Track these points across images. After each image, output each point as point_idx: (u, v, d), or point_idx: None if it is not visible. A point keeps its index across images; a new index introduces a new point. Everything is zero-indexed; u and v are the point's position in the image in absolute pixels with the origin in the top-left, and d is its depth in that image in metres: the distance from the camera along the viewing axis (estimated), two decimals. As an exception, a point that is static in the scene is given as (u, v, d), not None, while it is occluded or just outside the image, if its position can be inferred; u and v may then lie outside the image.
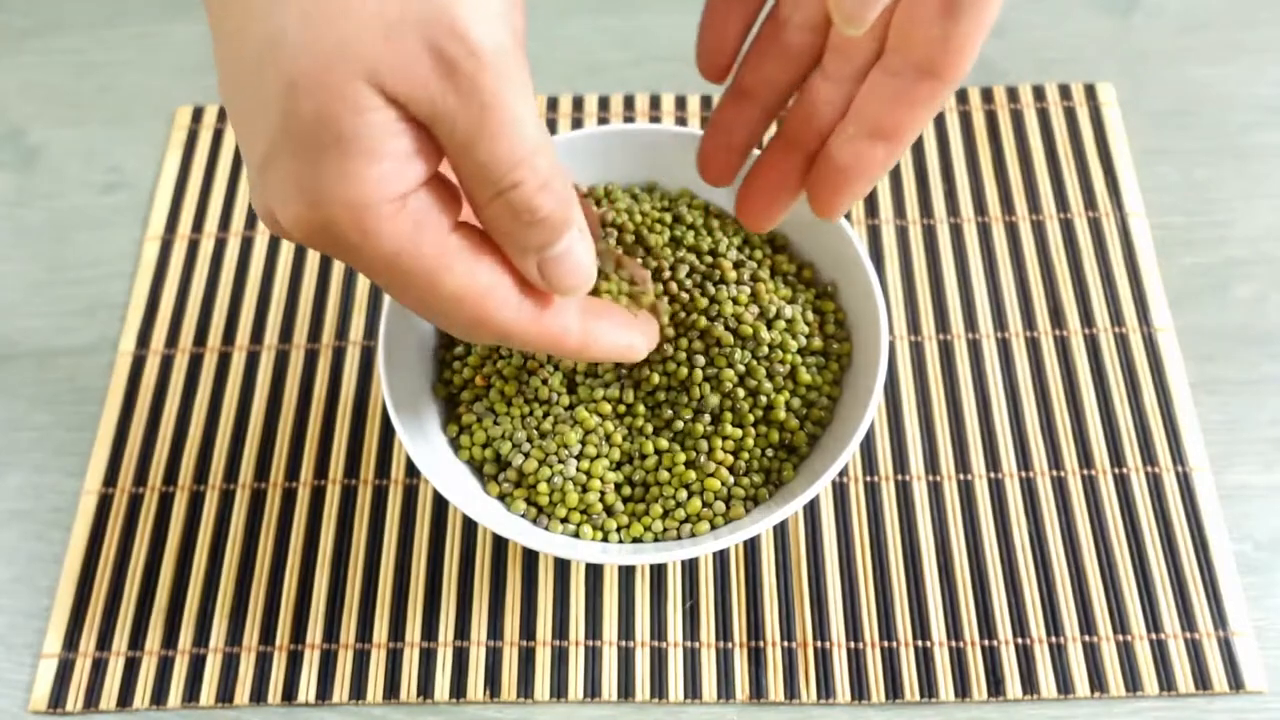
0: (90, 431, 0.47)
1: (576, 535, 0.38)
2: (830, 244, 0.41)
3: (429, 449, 0.39)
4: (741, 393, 0.38)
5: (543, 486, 0.38)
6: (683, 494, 0.38)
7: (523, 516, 0.39)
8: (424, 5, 0.23)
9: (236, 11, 0.24)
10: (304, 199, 0.24)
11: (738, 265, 0.40)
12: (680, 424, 0.39)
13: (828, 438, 0.39)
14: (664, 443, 0.39)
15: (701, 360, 0.38)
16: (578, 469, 0.38)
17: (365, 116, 0.23)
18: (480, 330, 0.29)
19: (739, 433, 0.38)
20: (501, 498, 0.39)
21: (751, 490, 0.39)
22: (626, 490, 0.39)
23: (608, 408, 0.39)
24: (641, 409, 0.39)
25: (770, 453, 0.39)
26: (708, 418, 0.38)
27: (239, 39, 0.24)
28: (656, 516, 0.38)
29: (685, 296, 0.39)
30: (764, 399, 0.39)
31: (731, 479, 0.38)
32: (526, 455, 0.38)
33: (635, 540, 0.38)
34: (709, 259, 0.40)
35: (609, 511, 0.39)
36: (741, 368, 0.38)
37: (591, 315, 0.32)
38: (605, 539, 0.38)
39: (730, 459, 0.38)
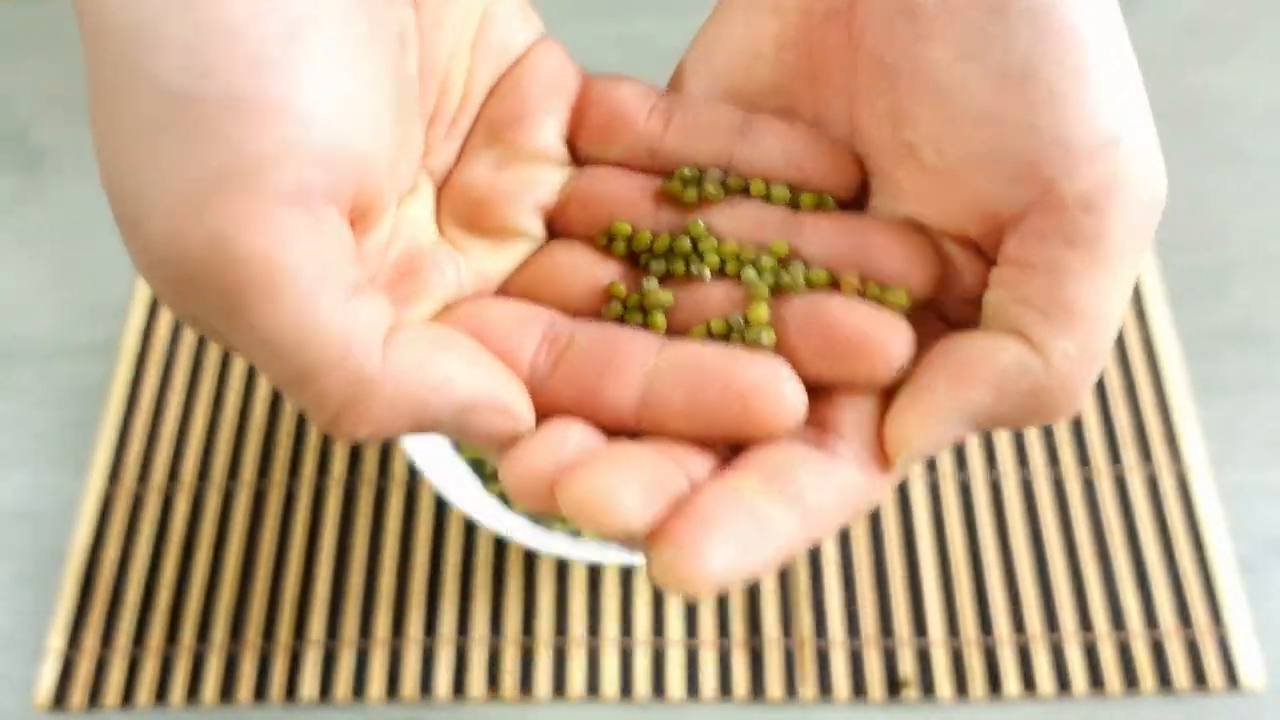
0: (93, 430, 0.47)
1: (577, 535, 0.39)
2: None
3: (430, 448, 0.39)
4: None
5: None
6: None
7: (523, 515, 0.39)
8: None
9: None
10: None
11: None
12: None
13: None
14: None
15: None
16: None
17: None
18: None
19: None
20: (501, 496, 0.39)
21: None
22: None
23: None
24: None
25: None
26: None
27: None
28: None
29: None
30: None
31: None
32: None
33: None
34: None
35: None
36: None
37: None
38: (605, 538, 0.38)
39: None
